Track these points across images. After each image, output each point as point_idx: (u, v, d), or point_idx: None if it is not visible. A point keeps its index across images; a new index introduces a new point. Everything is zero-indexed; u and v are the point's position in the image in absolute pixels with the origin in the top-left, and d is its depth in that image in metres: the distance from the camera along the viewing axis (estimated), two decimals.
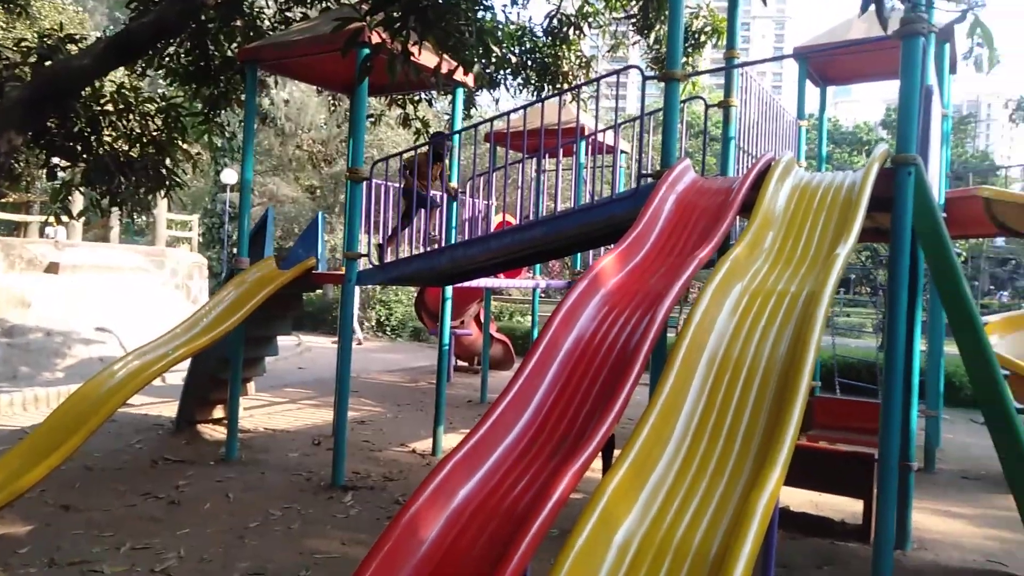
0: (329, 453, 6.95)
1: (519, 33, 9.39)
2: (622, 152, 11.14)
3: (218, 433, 8.28)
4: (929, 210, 4.41)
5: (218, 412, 8.66)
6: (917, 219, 4.36)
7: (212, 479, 6.58)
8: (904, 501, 5.51)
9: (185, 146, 7.06)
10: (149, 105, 6.76)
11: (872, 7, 3.43)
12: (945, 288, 4.43)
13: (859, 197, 4.08)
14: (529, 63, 9.37)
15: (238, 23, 7.70)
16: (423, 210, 7.46)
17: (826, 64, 8.71)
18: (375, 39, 4.14)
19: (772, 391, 3.14)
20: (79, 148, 6.21)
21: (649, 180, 5.28)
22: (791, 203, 4.49)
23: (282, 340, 15.07)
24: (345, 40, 3.82)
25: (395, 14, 3.64)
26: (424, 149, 7.32)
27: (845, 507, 6.37)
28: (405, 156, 7.09)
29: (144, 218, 15.80)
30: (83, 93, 5.91)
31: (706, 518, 2.66)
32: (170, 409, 9.23)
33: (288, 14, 8.51)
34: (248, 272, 7.13)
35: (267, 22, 8.48)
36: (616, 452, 3.54)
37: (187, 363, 8.17)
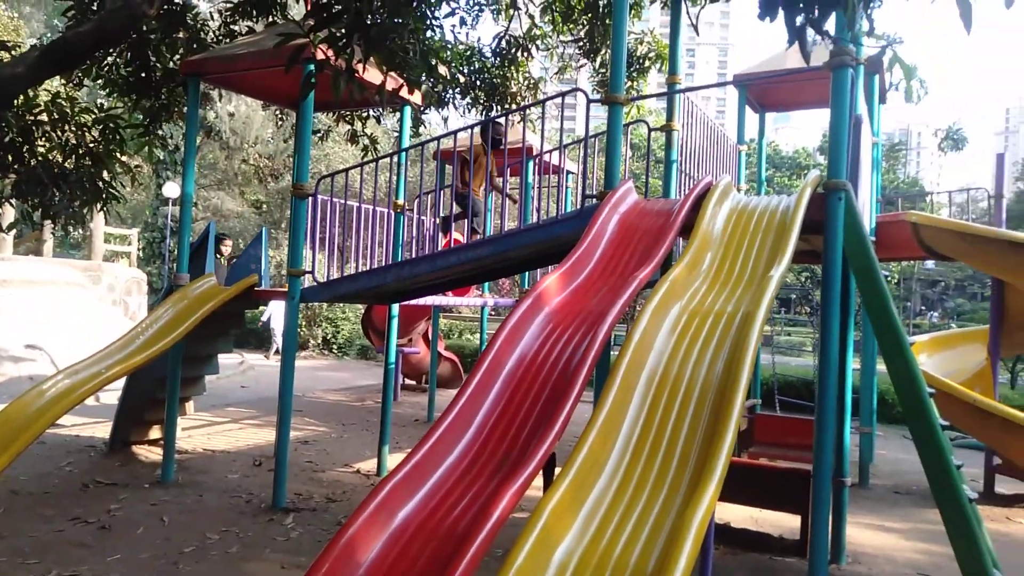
0: (270, 474, 6.80)
1: (468, 53, 9.47)
2: (570, 173, 11.30)
3: (154, 454, 8.02)
4: (858, 234, 4.59)
5: (154, 433, 8.39)
6: (847, 242, 4.53)
7: (146, 502, 6.37)
8: (839, 516, 5.67)
9: (124, 159, 6.88)
10: (86, 116, 6.57)
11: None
12: (873, 309, 4.61)
13: (792, 221, 4.23)
14: (478, 83, 9.45)
15: (181, 35, 7.57)
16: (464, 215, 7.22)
17: (764, 91, 9.02)
18: (320, 55, 4.13)
19: (708, 409, 3.22)
20: (10, 159, 5.99)
21: (593, 201, 5.37)
22: (728, 225, 4.61)
23: (224, 358, 14.75)
24: (288, 56, 3.80)
25: (339, 32, 3.64)
26: (477, 141, 7.17)
27: (784, 523, 6.52)
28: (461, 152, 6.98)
29: (79, 232, 15.28)
30: (15, 102, 5.72)
31: (643, 535, 2.69)
32: (103, 430, 8.91)
33: (233, 27, 8.41)
34: (188, 288, 6.96)
35: (211, 35, 8.35)
36: (558, 470, 3.56)
37: (122, 382, 7.91)
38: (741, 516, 6.77)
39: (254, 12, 7.64)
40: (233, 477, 7.36)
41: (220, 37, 8.48)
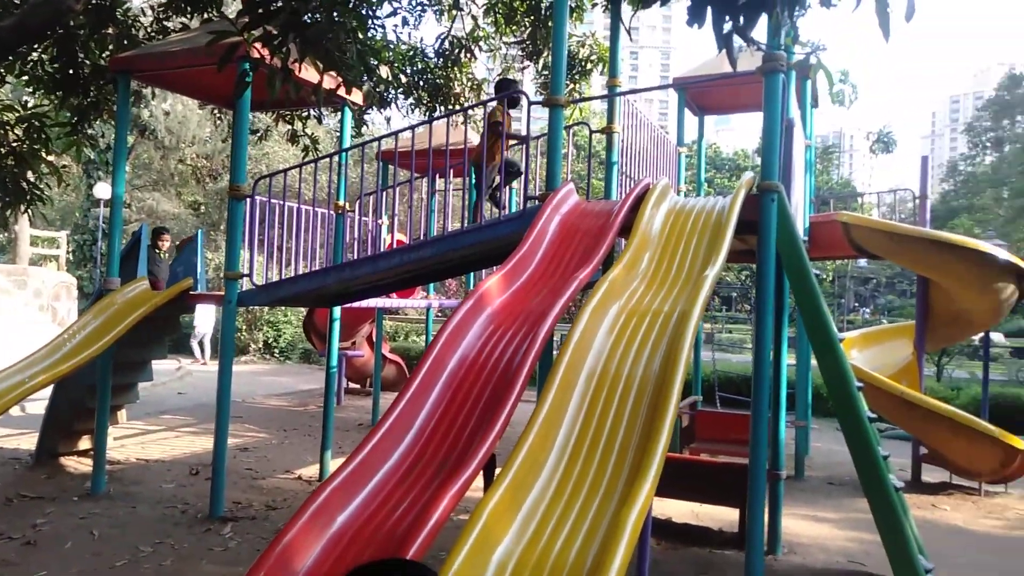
0: (208, 483, 6.61)
1: (410, 54, 9.41)
2: None
3: (84, 466, 7.72)
4: (790, 234, 4.73)
5: (84, 443, 8.08)
6: (780, 242, 4.67)
7: (75, 516, 6.12)
8: (775, 508, 5.83)
9: (51, 158, 6.60)
10: (8, 114, 6.29)
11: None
12: (805, 306, 4.76)
13: (727, 221, 4.33)
14: (421, 84, 9.40)
15: (110, 30, 7.30)
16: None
17: (703, 95, 9.21)
18: (256, 54, 4.04)
19: (646, 406, 3.27)
20: None
21: (535, 203, 5.39)
22: (666, 226, 4.70)
23: (161, 364, 14.31)
24: (221, 54, 3.71)
25: (274, 30, 3.57)
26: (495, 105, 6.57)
27: (724, 516, 6.68)
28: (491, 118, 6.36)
29: (3, 235, 14.61)
30: None
31: (581, 534, 2.72)
32: (29, 441, 8.53)
33: (167, 24, 8.16)
34: (118, 293, 6.73)
35: (143, 31, 8.09)
36: (499, 471, 3.57)
37: (49, 391, 7.58)
38: (682, 511, 6.90)
39: (188, 8, 7.44)
40: (168, 487, 7.14)
41: (152, 34, 8.21)
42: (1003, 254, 7.82)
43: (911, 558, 4.51)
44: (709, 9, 1.97)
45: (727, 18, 1.98)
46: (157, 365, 11.99)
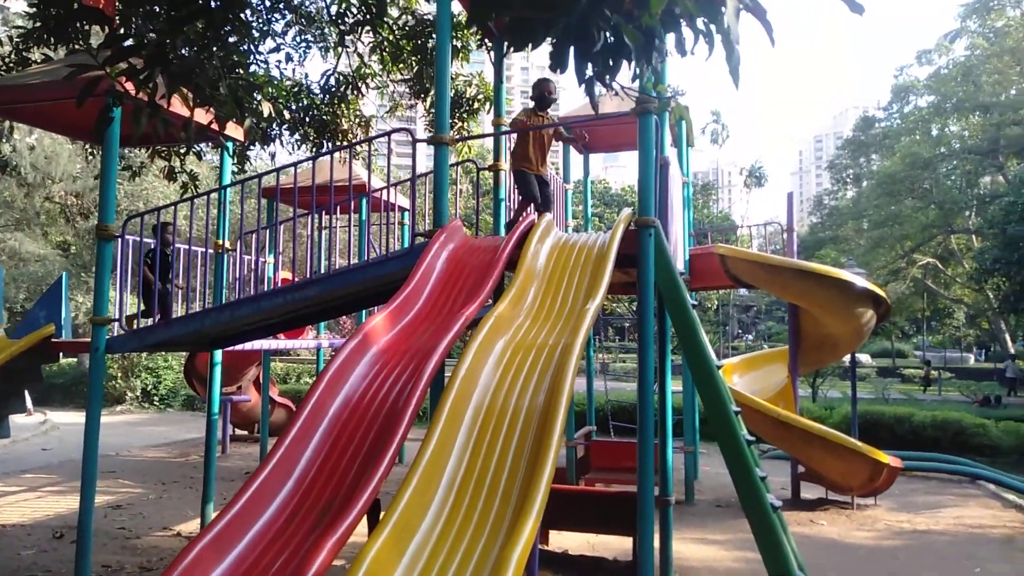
0: (73, 547, 6.09)
1: (295, 90, 9.25)
2: (405, 210, 11.29)
3: None
4: (667, 266, 4.93)
5: None
6: (658, 274, 4.85)
7: None
8: (665, 534, 5.96)
9: None
10: None
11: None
12: (683, 335, 4.95)
13: (607, 255, 4.47)
14: (307, 120, 9.24)
15: None
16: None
17: (586, 134, 9.52)
18: (120, 88, 3.85)
19: (531, 439, 3.28)
20: None
21: (422, 239, 5.38)
22: (551, 261, 4.79)
23: (23, 419, 13.16)
24: (81, 88, 3.51)
25: (139, 64, 3.42)
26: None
27: (619, 545, 6.77)
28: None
29: None
30: None
31: (467, 574, 2.67)
32: None
33: (27, 55, 7.67)
34: None
35: (0, 62, 7.57)
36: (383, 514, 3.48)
37: None
38: (579, 542, 6.95)
39: (51, 39, 7.01)
40: (28, 553, 6.53)
41: (11, 65, 7.70)
42: (860, 281, 8.46)
43: (790, 574, 4.72)
44: (571, 55, 2.05)
45: (588, 64, 2.06)
46: (19, 419, 11.04)
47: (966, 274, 29.28)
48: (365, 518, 3.09)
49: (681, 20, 2.17)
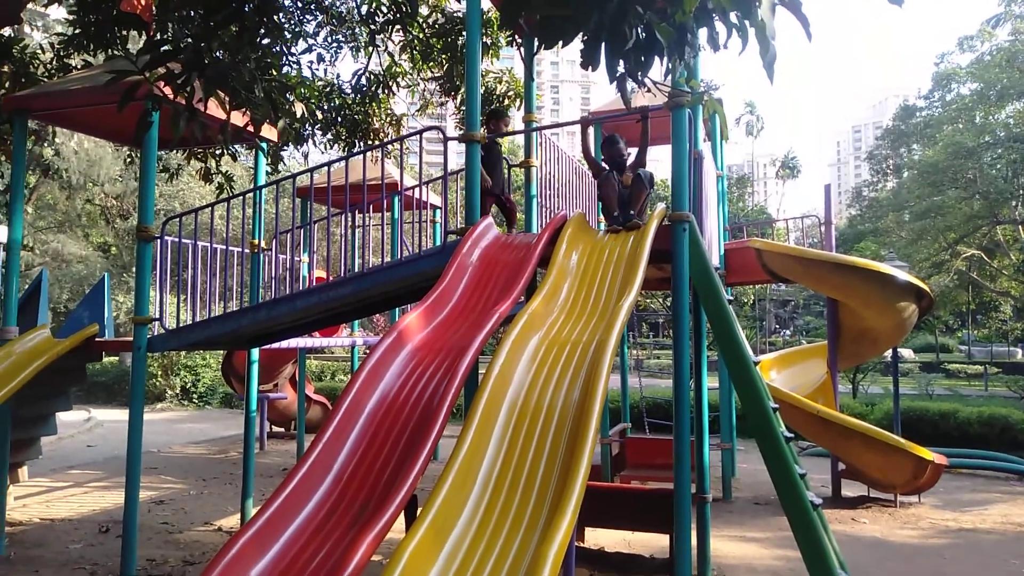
0: (119, 541, 6.24)
1: (327, 90, 9.34)
2: (437, 208, 11.33)
3: None
4: (702, 262, 4.87)
5: None
6: (693, 270, 4.80)
7: None
8: (703, 531, 5.90)
9: None
10: None
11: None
12: (719, 330, 4.89)
13: (640, 251, 4.43)
14: (339, 120, 9.33)
15: (5, 68, 6.98)
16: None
17: (618, 128, 9.46)
18: (160, 93, 3.93)
19: (566, 437, 3.27)
20: None
21: (454, 237, 5.39)
22: (583, 258, 4.76)
23: (68, 416, 13.53)
24: (122, 93, 3.59)
25: (177, 69, 3.49)
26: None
27: (656, 543, 6.73)
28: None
29: None
30: None
31: (504, 570, 2.67)
32: None
33: (68, 61, 7.86)
34: (16, 343, 6.33)
35: (42, 68, 7.77)
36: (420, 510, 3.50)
37: None
38: (615, 540, 6.92)
39: (91, 46, 7.18)
40: (76, 547, 6.71)
41: (53, 71, 7.90)
42: (902, 275, 8.27)
43: (831, 573, 4.63)
44: (602, 52, 2.03)
45: (620, 61, 2.04)
46: (65, 417, 11.35)
47: (1013, 266, 28.45)
48: (402, 514, 3.11)
49: (714, 15, 2.13)
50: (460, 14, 9.43)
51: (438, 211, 11.34)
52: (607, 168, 5.51)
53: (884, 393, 17.59)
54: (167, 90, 3.81)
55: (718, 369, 9.92)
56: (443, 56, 9.34)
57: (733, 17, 2.16)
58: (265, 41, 4.85)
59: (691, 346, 5.26)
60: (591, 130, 6.17)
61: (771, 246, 8.73)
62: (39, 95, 6.29)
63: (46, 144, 14.92)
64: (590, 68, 2.11)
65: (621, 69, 2.11)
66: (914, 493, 8.80)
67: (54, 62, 7.86)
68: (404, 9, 8.94)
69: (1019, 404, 18.11)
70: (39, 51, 8.03)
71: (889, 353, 10.90)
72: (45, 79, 7.58)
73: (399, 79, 9.74)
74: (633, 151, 5.54)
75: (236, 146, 9.39)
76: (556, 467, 3.14)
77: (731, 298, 6.52)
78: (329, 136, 9.45)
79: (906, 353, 33.84)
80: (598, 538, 6.91)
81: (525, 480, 3.10)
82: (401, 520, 3.44)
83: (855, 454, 8.47)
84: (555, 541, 2.49)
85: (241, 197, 6.62)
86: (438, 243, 9.36)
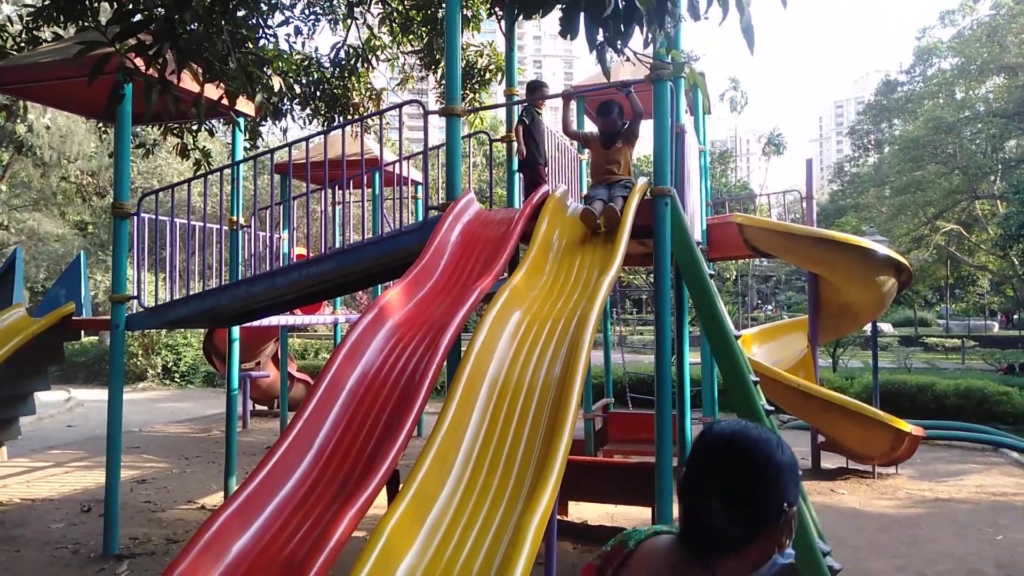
0: (101, 520, 6.22)
1: (305, 63, 9.19)
2: (418, 184, 11.23)
3: None
4: (684, 236, 4.87)
5: None
6: (674, 244, 4.79)
7: None
8: None
9: None
10: None
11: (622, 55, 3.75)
12: (700, 305, 4.90)
13: (622, 226, 4.42)
14: (317, 94, 9.18)
15: None
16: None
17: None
18: (132, 65, 3.83)
19: (548, 411, 3.27)
20: None
21: (435, 213, 5.35)
22: (565, 232, 4.75)
23: (48, 395, 13.39)
24: (91, 66, 3.49)
25: (148, 40, 3.39)
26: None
27: (638, 516, 6.80)
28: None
29: None
30: None
31: (486, 543, 2.69)
32: None
33: (37, 33, 7.65)
34: None
35: (11, 41, 7.56)
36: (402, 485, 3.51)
37: None
38: (598, 513, 6.99)
39: (61, 17, 6.98)
40: (57, 527, 6.67)
41: (22, 44, 7.69)
42: (882, 249, 8.33)
43: (810, 543, 4.70)
44: (581, 21, 2.00)
45: (599, 29, 2.01)
46: (45, 397, 11.24)
47: (991, 240, 28.78)
48: (384, 489, 3.11)
49: None
50: None
51: (419, 187, 11.25)
52: (595, 135, 5.54)
53: (864, 367, 17.85)
54: (139, 62, 3.71)
55: (700, 344, 9.98)
56: (423, 29, 9.21)
57: None
58: (240, 13, 4.74)
59: (673, 321, 5.28)
60: (572, 104, 6.13)
61: (753, 221, 8.76)
62: (7, 68, 6.13)
63: (18, 120, 14.60)
64: (569, 37, 2.07)
65: (600, 38, 2.08)
66: (892, 464, 8.95)
67: (23, 35, 7.64)
68: None
69: (995, 377, 18.44)
70: (7, 23, 7.81)
71: (869, 327, 11.01)
72: (14, 52, 7.38)
73: (378, 52, 9.59)
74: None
75: (213, 122, 9.23)
76: (538, 441, 3.15)
77: (713, 273, 6.54)
78: (308, 111, 9.31)
79: (885, 327, 34.29)
80: (581, 512, 6.97)
81: (507, 454, 3.11)
82: (384, 495, 3.44)
83: (834, 426, 8.59)
84: (536, 513, 2.50)
85: (219, 173, 6.52)
86: (419, 219, 9.31)
